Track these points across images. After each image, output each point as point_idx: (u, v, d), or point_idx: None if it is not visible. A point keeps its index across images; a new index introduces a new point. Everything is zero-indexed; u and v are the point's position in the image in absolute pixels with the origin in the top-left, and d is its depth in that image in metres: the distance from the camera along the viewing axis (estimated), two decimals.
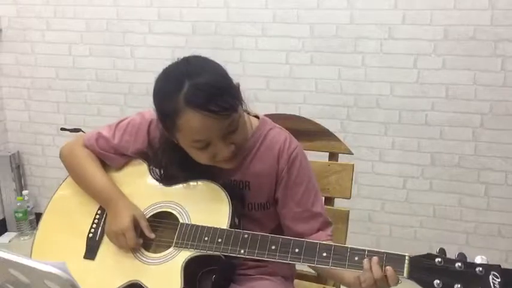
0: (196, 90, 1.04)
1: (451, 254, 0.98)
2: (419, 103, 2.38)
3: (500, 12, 2.21)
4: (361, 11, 2.36)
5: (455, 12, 2.25)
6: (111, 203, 1.23)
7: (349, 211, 1.46)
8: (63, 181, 1.35)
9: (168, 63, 1.14)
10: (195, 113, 1.03)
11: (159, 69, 1.15)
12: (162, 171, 1.26)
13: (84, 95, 2.83)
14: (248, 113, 1.25)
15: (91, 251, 1.24)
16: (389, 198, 2.53)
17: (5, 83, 2.95)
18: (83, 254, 1.24)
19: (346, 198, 1.46)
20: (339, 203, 1.49)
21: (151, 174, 1.26)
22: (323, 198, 1.47)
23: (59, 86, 2.86)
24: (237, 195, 1.20)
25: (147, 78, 2.75)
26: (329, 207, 1.47)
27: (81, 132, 2.59)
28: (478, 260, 0.95)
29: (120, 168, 1.30)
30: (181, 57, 1.13)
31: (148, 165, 1.27)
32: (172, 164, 1.21)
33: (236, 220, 1.16)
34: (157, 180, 1.25)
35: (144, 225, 1.19)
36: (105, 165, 1.31)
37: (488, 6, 2.21)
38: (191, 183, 1.21)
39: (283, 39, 2.48)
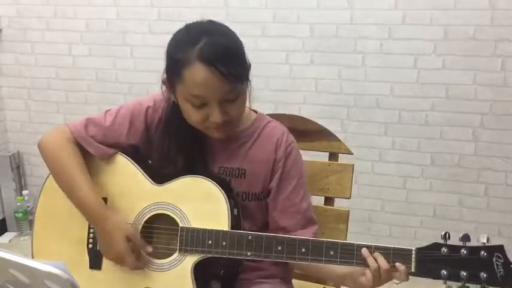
0: (212, 46, 1.05)
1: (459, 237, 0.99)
2: (419, 103, 2.38)
3: (500, 12, 2.21)
4: (361, 11, 2.36)
5: (455, 12, 2.25)
6: (98, 224, 1.17)
7: (349, 211, 1.45)
8: (44, 183, 1.27)
9: None
10: (203, 67, 1.04)
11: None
12: (152, 162, 1.22)
13: (84, 95, 2.83)
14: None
15: (95, 261, 1.21)
16: (389, 198, 2.53)
17: (5, 83, 2.95)
18: (88, 264, 1.21)
19: (346, 198, 1.45)
20: (339, 203, 1.49)
21: (139, 171, 1.20)
22: (323, 198, 1.49)
23: (59, 86, 2.86)
24: (229, 185, 1.19)
25: (147, 78, 2.77)
26: (329, 207, 1.47)
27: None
28: (482, 239, 0.98)
29: (106, 164, 1.22)
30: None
31: (135, 162, 1.21)
32: (171, 147, 1.19)
33: (235, 211, 1.14)
34: (146, 178, 1.19)
35: (138, 243, 1.15)
36: (91, 159, 1.21)
37: (488, 6, 2.21)
38: (182, 180, 1.16)
39: (283, 39, 2.48)
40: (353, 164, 1.46)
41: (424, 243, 0.99)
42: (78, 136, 1.21)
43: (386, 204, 2.54)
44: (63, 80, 2.84)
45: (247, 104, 1.23)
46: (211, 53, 1.04)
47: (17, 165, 2.97)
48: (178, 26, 1.15)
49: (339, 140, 1.47)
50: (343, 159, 1.48)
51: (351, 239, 1.48)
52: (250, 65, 1.15)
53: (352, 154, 1.47)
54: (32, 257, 1.26)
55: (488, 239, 0.98)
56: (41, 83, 2.88)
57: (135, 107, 1.23)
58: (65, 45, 2.79)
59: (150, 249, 1.15)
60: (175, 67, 1.09)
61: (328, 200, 1.48)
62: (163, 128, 1.21)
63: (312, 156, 1.46)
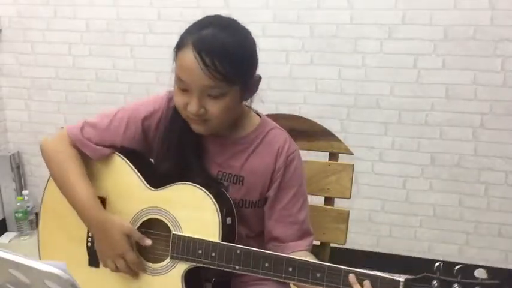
0: (209, 38, 1.05)
1: (452, 254, 0.97)
2: (419, 103, 2.38)
3: (500, 12, 2.21)
4: (361, 11, 2.36)
5: (455, 12, 2.25)
6: (95, 227, 1.17)
7: (349, 211, 1.45)
8: (48, 181, 1.29)
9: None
10: (192, 52, 1.04)
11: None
12: (150, 166, 1.22)
13: (84, 95, 2.83)
14: (249, 107, 1.24)
15: (94, 259, 1.23)
16: (389, 198, 2.53)
17: (5, 83, 2.95)
18: (87, 261, 1.25)
19: (346, 198, 1.45)
20: (339, 203, 1.49)
21: (136, 174, 1.21)
22: (323, 198, 1.48)
23: (59, 86, 2.86)
24: (225, 191, 1.19)
25: (147, 78, 2.77)
26: (329, 207, 1.47)
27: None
28: (478, 274, 0.92)
29: (104, 165, 1.23)
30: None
31: (133, 165, 1.22)
32: (171, 148, 1.18)
33: (229, 220, 1.14)
34: (142, 181, 1.20)
35: (137, 236, 1.16)
36: (89, 159, 1.23)
37: (488, 6, 2.21)
38: (177, 187, 1.16)
39: (283, 39, 2.48)
40: (353, 164, 1.46)
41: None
42: (75, 139, 1.22)
43: (387, 204, 2.54)
44: (63, 80, 2.84)
45: (248, 104, 1.22)
46: (205, 42, 1.04)
47: (17, 165, 2.97)
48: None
49: (339, 140, 1.47)
50: (343, 159, 1.48)
51: (351, 239, 1.49)
52: (259, 78, 1.14)
53: (352, 154, 1.47)
54: (39, 252, 1.31)
55: (487, 275, 0.91)
56: (41, 83, 2.88)
57: (132, 112, 1.23)
58: (65, 45, 2.79)
59: (149, 241, 1.16)
60: (177, 46, 1.10)
61: (328, 200, 1.48)
62: (164, 129, 1.21)
63: (312, 156, 1.46)
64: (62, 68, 2.83)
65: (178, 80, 1.09)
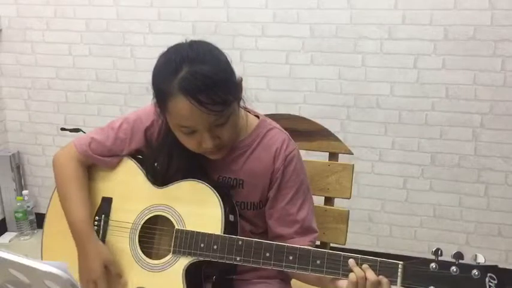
0: (192, 77, 1.03)
1: (451, 254, 0.97)
2: (419, 103, 2.39)
3: (500, 12, 2.21)
4: (361, 11, 2.36)
5: (455, 12, 2.25)
6: (81, 245, 1.22)
7: (349, 211, 1.46)
8: (55, 188, 1.32)
9: None
10: (185, 100, 1.03)
11: None
12: (155, 168, 1.25)
13: (84, 95, 2.83)
14: (248, 111, 1.25)
15: None
16: (390, 198, 2.53)
17: (5, 83, 2.95)
18: None
19: (346, 198, 1.46)
20: (339, 203, 1.49)
21: (143, 173, 1.24)
22: (323, 198, 1.49)
23: (59, 86, 2.86)
24: (228, 192, 1.20)
25: (147, 78, 2.73)
26: (329, 207, 1.48)
27: (80, 132, 2.58)
28: (477, 259, 0.93)
29: (112, 167, 1.28)
30: (189, 39, 1.13)
31: (140, 165, 1.26)
32: (172, 156, 1.20)
33: (231, 217, 1.15)
34: (149, 180, 1.23)
35: (114, 272, 1.20)
36: (97, 165, 1.29)
37: (488, 6, 2.21)
38: (181, 184, 1.19)
39: (283, 39, 2.48)
40: (353, 164, 1.46)
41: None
42: (85, 155, 1.26)
43: (387, 204, 2.54)
44: (63, 80, 2.84)
45: (248, 106, 1.23)
46: (193, 85, 1.02)
47: (17, 165, 2.97)
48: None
49: (339, 140, 1.47)
50: (343, 159, 1.48)
51: (351, 239, 1.49)
52: (241, 79, 1.14)
53: (352, 154, 1.47)
54: (41, 252, 1.34)
55: (485, 260, 0.93)
56: (41, 83, 2.88)
57: (135, 123, 1.26)
58: (65, 45, 2.79)
59: (119, 275, 1.19)
60: (160, 97, 1.09)
61: (328, 200, 1.49)
62: (163, 137, 1.22)
63: (312, 156, 1.46)
64: (62, 68, 2.83)
65: (180, 127, 1.10)
